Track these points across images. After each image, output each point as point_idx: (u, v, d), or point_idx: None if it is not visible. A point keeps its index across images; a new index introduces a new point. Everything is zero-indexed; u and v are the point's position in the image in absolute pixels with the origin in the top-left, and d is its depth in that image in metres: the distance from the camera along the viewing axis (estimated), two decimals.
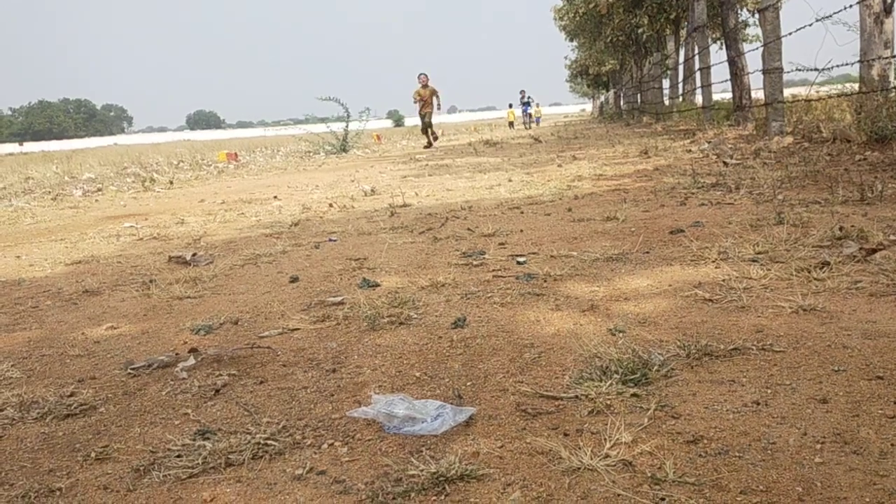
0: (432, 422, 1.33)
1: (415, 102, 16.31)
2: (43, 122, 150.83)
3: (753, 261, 2.40)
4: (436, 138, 16.85)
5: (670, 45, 21.38)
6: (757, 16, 7.76)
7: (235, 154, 15.95)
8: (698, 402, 1.35)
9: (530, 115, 32.11)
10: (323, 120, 16.97)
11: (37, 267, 3.58)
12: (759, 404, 1.32)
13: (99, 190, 9.24)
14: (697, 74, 12.17)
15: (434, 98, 16.33)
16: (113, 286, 2.94)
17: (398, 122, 75.77)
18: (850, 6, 5.86)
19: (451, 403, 1.43)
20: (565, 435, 1.27)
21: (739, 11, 12.59)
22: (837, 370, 1.45)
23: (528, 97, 31.40)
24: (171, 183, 9.69)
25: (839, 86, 9.01)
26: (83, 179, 11.62)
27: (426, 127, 16.45)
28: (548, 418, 1.35)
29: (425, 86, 16.16)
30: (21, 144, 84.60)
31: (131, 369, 1.82)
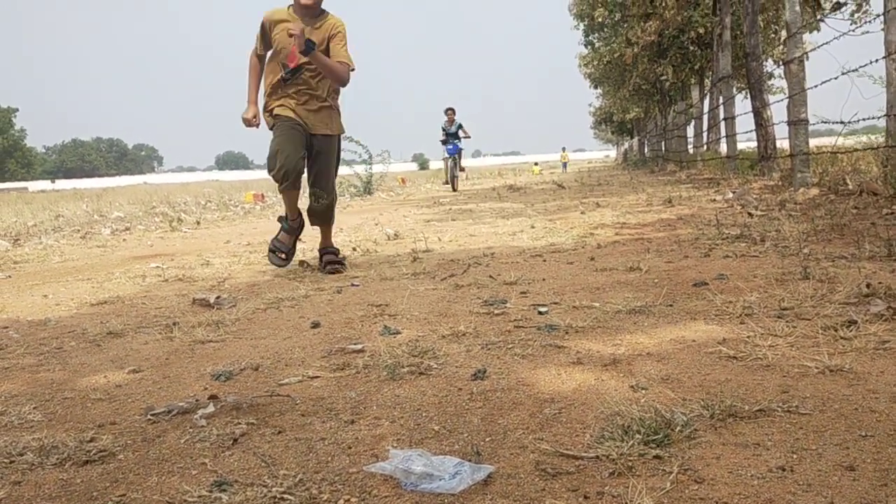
0: (450, 480, 1.32)
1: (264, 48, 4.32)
2: (75, 160, 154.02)
3: (779, 317, 2.37)
4: (324, 219, 4.48)
5: (695, 94, 21.50)
6: (782, 67, 7.79)
7: (262, 195, 16.16)
8: (722, 466, 1.33)
9: (458, 158, 16.96)
10: (348, 163, 17.06)
11: (63, 306, 3.62)
12: (784, 470, 1.29)
13: (127, 229, 9.39)
14: (722, 124, 12.19)
15: (335, 69, 4.10)
16: (137, 328, 2.97)
17: (423, 165, 76.53)
18: (877, 60, 5.86)
19: (470, 460, 1.41)
20: (585, 497, 1.25)
21: (765, 63, 12.65)
22: (865, 435, 1.41)
23: (460, 125, 16.87)
24: (198, 223, 9.82)
25: (864, 137, 8.98)
26: (112, 218, 11.82)
27: (285, 170, 4.14)
28: (568, 479, 1.32)
29: (319, 15, 4.21)
30: (53, 181, 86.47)
31: (151, 415, 1.82)
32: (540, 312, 2.74)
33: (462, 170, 18.47)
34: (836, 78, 6.20)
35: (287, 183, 4.21)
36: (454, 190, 16.46)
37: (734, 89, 13.20)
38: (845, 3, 13.45)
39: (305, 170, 4.35)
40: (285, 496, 1.32)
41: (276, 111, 4.25)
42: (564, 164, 42.37)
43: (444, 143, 16.96)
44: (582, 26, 25.17)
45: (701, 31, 17.41)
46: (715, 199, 7.40)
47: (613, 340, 2.27)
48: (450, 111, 17.02)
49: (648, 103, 30.72)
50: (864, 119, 5.91)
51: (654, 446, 1.41)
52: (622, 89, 27.24)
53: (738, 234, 4.40)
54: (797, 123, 7.14)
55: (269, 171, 4.25)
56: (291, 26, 3.99)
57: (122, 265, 5.36)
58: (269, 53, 4.32)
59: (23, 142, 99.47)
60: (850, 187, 5.91)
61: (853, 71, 6.01)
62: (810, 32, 13.71)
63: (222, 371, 2.19)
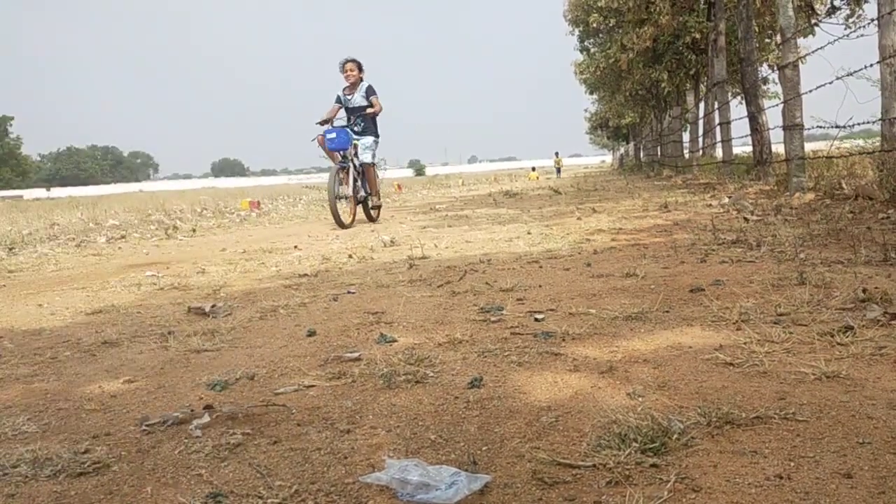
0: (446, 490, 1.31)
1: None
2: (71, 167, 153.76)
3: (775, 323, 2.37)
4: None
5: (690, 100, 21.56)
6: (777, 72, 7.82)
7: (258, 202, 16.14)
8: (719, 475, 1.32)
9: (359, 176, 9.06)
10: None
11: (57, 316, 3.61)
12: (781, 478, 1.29)
13: (122, 237, 9.36)
14: (717, 129, 12.23)
15: None
16: (132, 337, 2.96)
17: (419, 171, 76.58)
18: (871, 65, 5.89)
19: (466, 469, 1.40)
20: None
21: (759, 68, 12.69)
22: (862, 442, 1.41)
23: (369, 91, 8.85)
24: (194, 231, 9.80)
25: (860, 141, 9.01)
26: (107, 226, 11.79)
27: None
28: (564, 488, 1.32)
29: None
30: (48, 189, 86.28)
31: (146, 426, 1.81)
32: (536, 319, 2.73)
33: (377, 206, 9.61)
34: (830, 83, 6.23)
35: None
36: (343, 226, 8.42)
37: (729, 94, 13.25)
38: (839, 8, 13.50)
39: None
40: None
41: None
42: (558, 170, 42.35)
43: (324, 122, 8.90)
44: (577, 32, 25.23)
45: (696, 36, 17.47)
46: (711, 205, 7.41)
47: (610, 347, 2.26)
48: (349, 64, 8.96)
49: (644, 108, 30.81)
50: (859, 123, 5.94)
51: (651, 455, 1.41)
52: (618, 95, 27.30)
53: (734, 240, 4.41)
54: (792, 128, 7.16)
55: None
56: None
57: (117, 274, 5.34)
58: None
59: (18, 150, 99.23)
60: (846, 192, 5.92)
61: (848, 75, 6.03)
62: (805, 37, 13.76)
63: (218, 380, 2.18)
